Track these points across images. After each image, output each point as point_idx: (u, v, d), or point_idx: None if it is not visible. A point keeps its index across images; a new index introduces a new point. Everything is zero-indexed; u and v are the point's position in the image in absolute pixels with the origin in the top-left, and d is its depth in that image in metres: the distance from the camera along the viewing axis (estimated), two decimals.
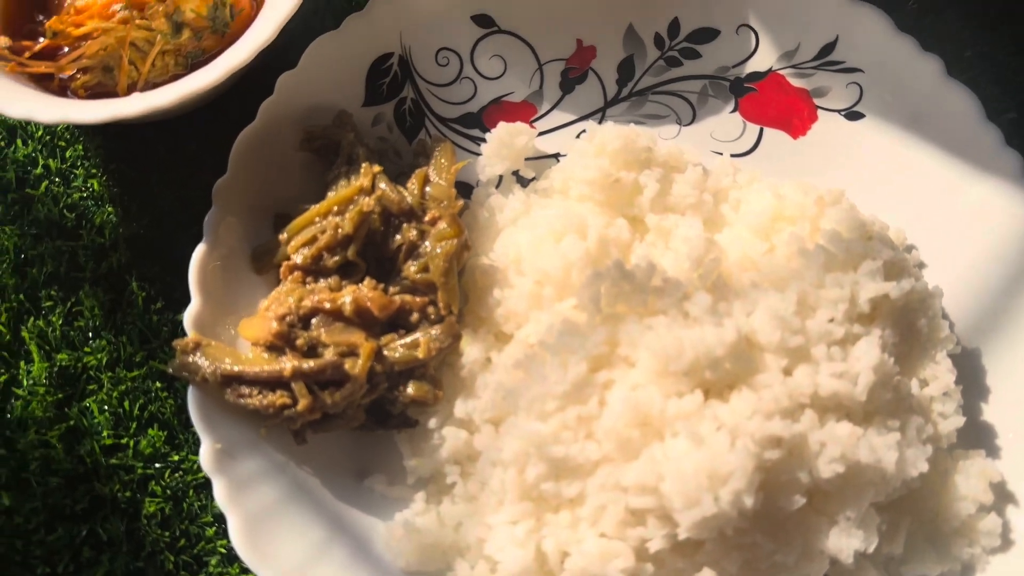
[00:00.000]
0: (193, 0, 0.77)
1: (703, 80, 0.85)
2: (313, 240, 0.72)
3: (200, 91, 0.71)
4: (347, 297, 0.70)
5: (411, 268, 0.72)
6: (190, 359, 0.68)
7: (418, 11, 0.82)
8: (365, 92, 0.82)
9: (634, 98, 0.85)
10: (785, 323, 0.66)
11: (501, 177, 0.82)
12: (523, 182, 0.82)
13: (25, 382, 0.75)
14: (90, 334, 0.77)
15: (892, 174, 0.81)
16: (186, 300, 0.71)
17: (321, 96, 0.79)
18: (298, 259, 0.72)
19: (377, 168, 0.75)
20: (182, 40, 0.77)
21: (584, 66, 0.85)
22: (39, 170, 0.82)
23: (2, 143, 0.83)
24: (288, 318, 0.69)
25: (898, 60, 0.81)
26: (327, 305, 0.69)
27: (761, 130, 0.84)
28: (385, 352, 0.69)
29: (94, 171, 0.82)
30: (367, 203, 0.72)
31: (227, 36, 0.79)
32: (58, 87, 0.77)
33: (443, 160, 0.78)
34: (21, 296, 0.77)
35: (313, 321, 0.69)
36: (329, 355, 0.68)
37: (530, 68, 0.85)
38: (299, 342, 0.68)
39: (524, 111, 0.85)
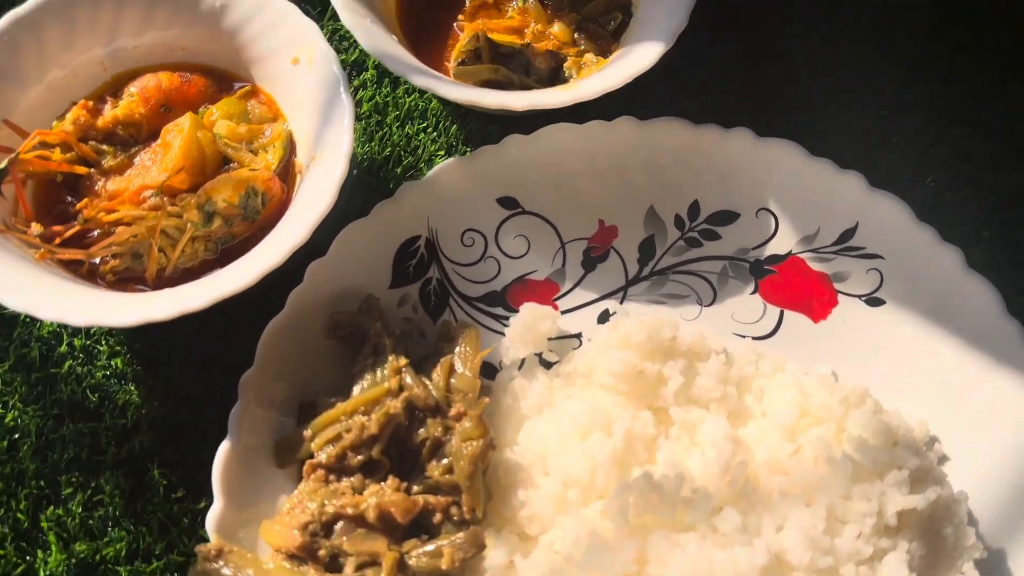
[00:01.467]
0: (225, 190, 0.78)
1: (723, 261, 0.85)
2: (338, 438, 0.71)
3: (231, 294, 0.71)
4: (370, 500, 0.69)
5: (435, 468, 0.71)
6: (212, 566, 0.67)
7: (446, 195, 0.83)
8: (392, 274, 0.82)
9: (655, 277, 0.85)
10: (815, 543, 0.66)
11: (524, 359, 0.82)
12: (546, 364, 0.82)
13: (42, 573, 0.74)
14: (109, 523, 0.76)
15: (913, 362, 0.81)
16: (207, 486, 0.70)
17: (349, 280, 0.80)
18: (322, 457, 0.71)
19: (403, 361, 0.75)
20: (212, 228, 0.78)
21: (606, 245, 0.86)
22: (63, 347, 0.82)
23: (27, 318, 0.83)
24: (310, 527, 0.68)
25: (918, 249, 0.81)
26: (349, 511, 0.68)
27: (782, 313, 0.84)
28: (408, 560, 0.68)
29: (118, 348, 0.82)
30: (394, 405, 0.71)
31: (257, 221, 0.80)
32: (87, 271, 0.77)
33: (468, 348, 0.77)
34: (41, 482, 0.76)
35: (336, 528, 0.68)
36: (351, 566, 0.67)
37: (553, 247, 0.85)
38: (321, 553, 0.67)
39: (547, 289, 0.85)
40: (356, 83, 0.93)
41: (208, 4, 0.82)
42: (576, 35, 0.88)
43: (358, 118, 0.90)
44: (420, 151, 0.90)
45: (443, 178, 0.83)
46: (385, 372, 0.74)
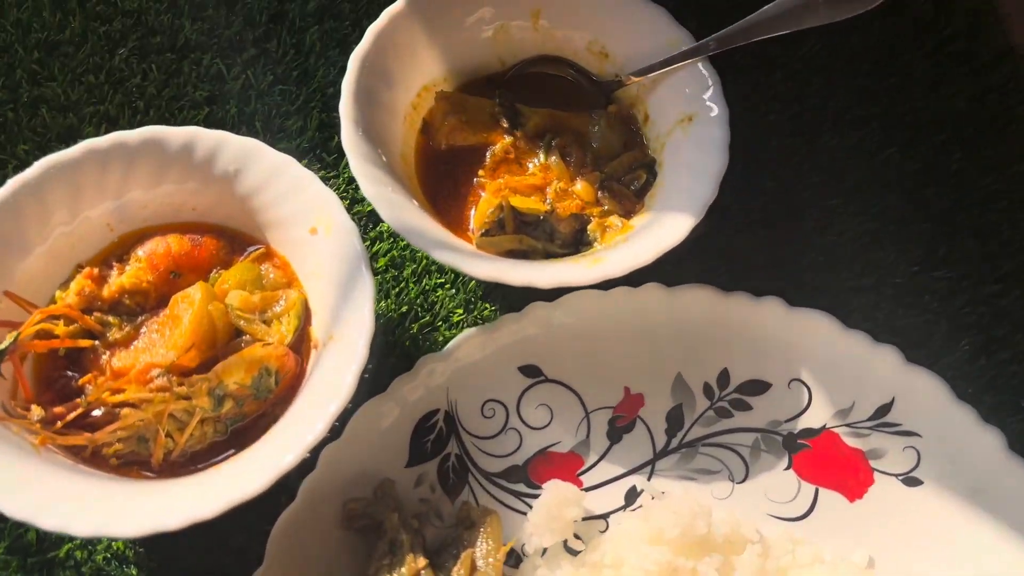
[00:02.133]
0: (237, 372, 0.74)
1: (755, 433, 0.82)
2: None
3: (244, 500, 0.67)
4: None
5: None
6: None
7: (466, 366, 0.79)
8: (409, 452, 0.78)
9: (684, 450, 0.82)
10: None
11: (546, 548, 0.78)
12: (571, 551, 0.78)
13: None
14: None
15: (952, 545, 0.77)
16: None
17: (364, 462, 0.76)
18: None
19: (423, 563, 0.70)
20: (223, 411, 0.74)
21: (632, 415, 0.82)
22: None
23: None
24: None
25: (957, 429, 0.78)
26: None
27: (817, 491, 0.80)
28: None
29: None
30: None
31: (270, 399, 0.76)
32: (90, 454, 0.73)
33: (490, 541, 0.73)
34: None
35: None
36: None
37: (577, 417, 0.82)
38: None
39: (571, 463, 0.81)
40: (372, 234, 0.90)
41: (221, 167, 0.79)
42: (599, 193, 0.86)
43: (374, 272, 0.86)
44: (437, 307, 0.87)
45: (464, 349, 0.79)
46: (403, 573, 0.70)
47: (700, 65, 0.85)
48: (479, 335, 0.79)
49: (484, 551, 0.73)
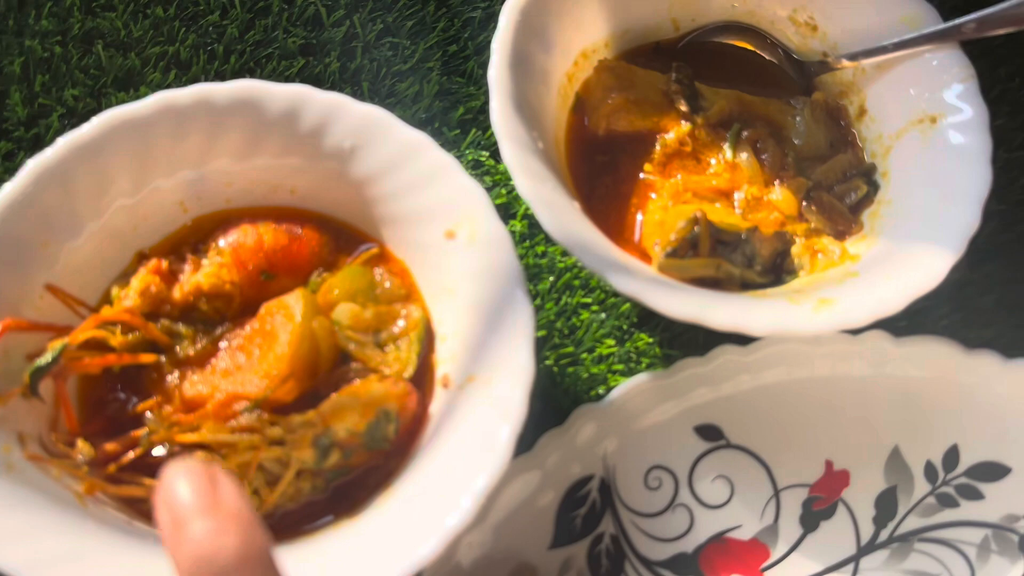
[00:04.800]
0: (351, 417, 0.56)
1: (985, 529, 0.64)
2: None
3: None
4: None
5: None
6: None
7: (630, 422, 0.61)
8: (555, 530, 0.60)
9: (895, 545, 0.64)
10: None
11: None
12: None
13: None
14: None
15: None
16: None
17: (497, 542, 0.58)
18: None
19: None
20: (327, 464, 0.56)
21: (833, 496, 0.64)
22: None
23: None
24: None
25: None
26: None
27: None
28: None
29: None
30: None
31: (383, 450, 0.58)
32: (149, 508, 0.56)
33: None
34: None
35: None
36: None
37: (763, 495, 0.64)
38: None
39: (753, 554, 0.63)
40: None
41: (335, 142, 0.60)
42: (803, 205, 0.67)
43: None
44: (581, 334, 0.69)
45: (631, 402, 0.61)
46: None
47: (948, 53, 0.66)
48: (651, 384, 0.61)
49: None
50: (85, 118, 0.60)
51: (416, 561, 0.49)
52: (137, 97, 0.64)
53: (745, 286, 0.63)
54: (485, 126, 0.74)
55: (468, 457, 0.52)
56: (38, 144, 0.71)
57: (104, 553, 0.50)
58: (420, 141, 0.59)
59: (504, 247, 0.56)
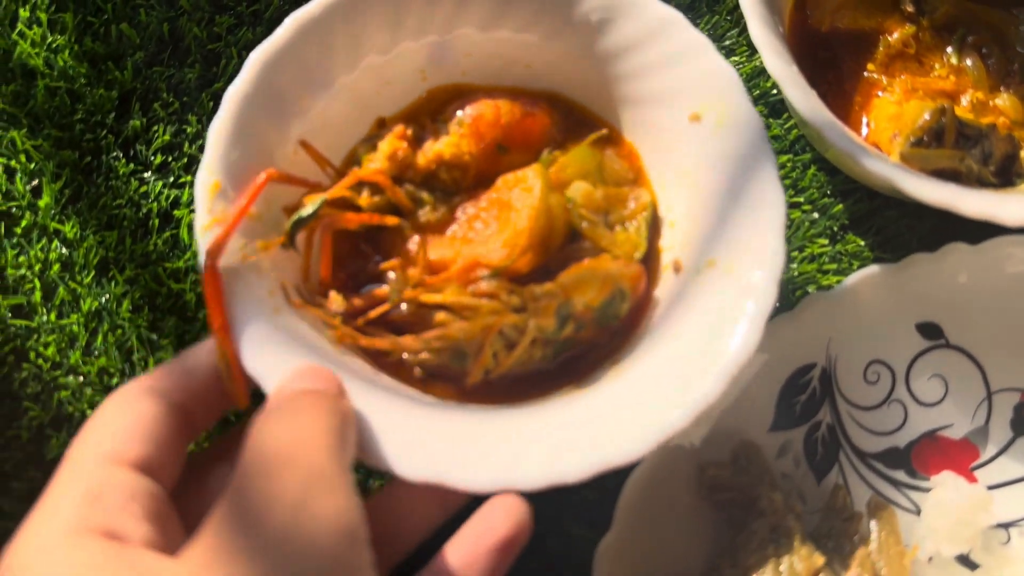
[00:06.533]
0: (590, 291, 0.55)
1: None
2: None
3: (622, 464, 0.48)
4: None
5: None
6: None
7: (856, 314, 0.60)
8: (775, 413, 0.60)
9: None
10: None
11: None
12: (969, 564, 0.60)
13: None
14: None
15: None
16: None
17: (724, 417, 0.58)
18: None
19: (819, 560, 0.53)
20: (563, 335, 0.56)
21: None
22: None
23: None
24: None
25: None
26: None
27: None
28: None
29: None
30: None
31: (611, 327, 0.58)
32: (394, 361, 0.56)
33: (891, 541, 0.56)
34: None
35: None
36: None
37: (977, 396, 0.62)
38: None
39: (963, 452, 0.62)
40: None
41: (583, 12, 0.58)
42: None
43: None
44: (791, 232, 0.67)
45: (859, 292, 0.60)
46: (797, 570, 0.53)
47: None
48: (883, 276, 0.60)
49: (884, 553, 0.55)
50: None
51: (666, 428, 0.48)
52: None
53: (981, 184, 0.61)
54: (693, 23, 0.71)
55: (712, 336, 0.51)
56: (258, 19, 0.71)
57: (361, 396, 0.50)
58: (673, 18, 0.57)
59: (756, 130, 0.55)
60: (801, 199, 0.68)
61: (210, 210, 0.51)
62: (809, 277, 0.66)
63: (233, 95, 0.53)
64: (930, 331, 0.62)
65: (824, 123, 0.56)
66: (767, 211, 0.53)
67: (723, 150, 0.56)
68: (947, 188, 0.55)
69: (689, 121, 0.57)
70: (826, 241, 0.67)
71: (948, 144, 0.59)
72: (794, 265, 0.66)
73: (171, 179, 0.68)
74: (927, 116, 0.59)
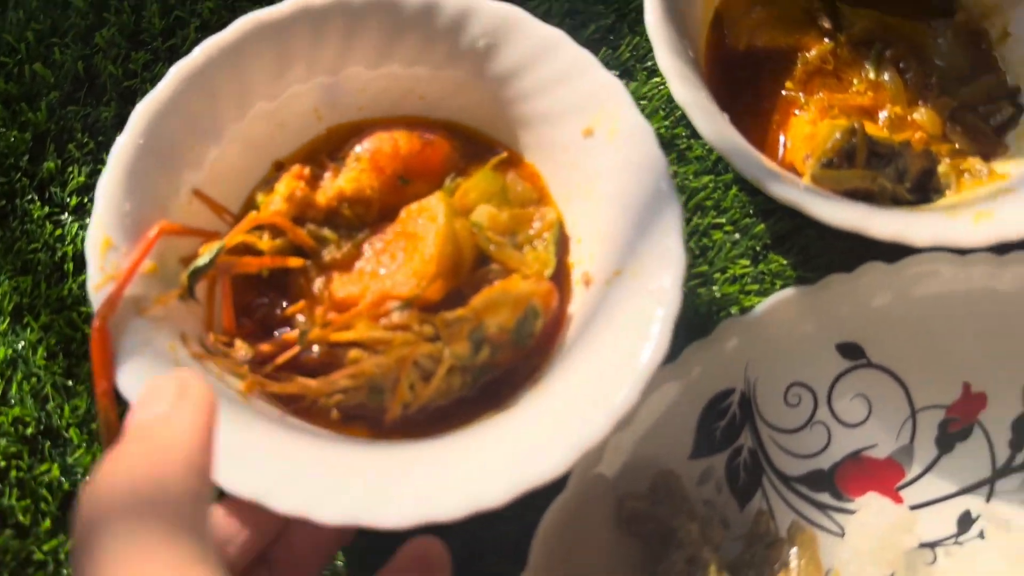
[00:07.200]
0: (502, 312, 0.54)
1: None
2: None
3: (539, 484, 0.47)
4: None
5: None
6: None
7: (776, 337, 0.59)
8: (695, 440, 0.59)
9: None
10: None
11: None
12: None
13: None
14: None
15: None
16: None
17: (642, 447, 0.57)
18: None
19: None
20: (479, 359, 0.55)
21: (969, 418, 0.61)
22: None
23: None
24: None
25: None
26: None
27: None
28: None
29: None
30: None
31: (527, 347, 0.57)
32: (308, 406, 0.55)
33: (810, 568, 0.55)
34: None
35: None
36: None
37: (900, 415, 0.61)
38: None
39: (888, 472, 0.61)
40: None
41: (469, 40, 0.58)
42: (948, 126, 0.63)
43: None
44: (714, 254, 0.66)
45: (777, 315, 0.59)
46: None
47: None
48: (797, 298, 0.58)
49: None
50: (220, 29, 0.58)
51: (583, 442, 0.47)
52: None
53: (897, 202, 0.60)
54: (615, 44, 0.71)
55: (624, 344, 0.50)
56: (174, 54, 0.70)
57: (269, 444, 0.49)
58: (557, 37, 0.56)
59: (647, 139, 0.54)
60: (723, 220, 0.67)
61: (102, 268, 0.50)
62: (732, 298, 0.65)
63: (120, 149, 0.52)
64: (851, 351, 0.61)
65: (730, 149, 0.54)
66: (664, 216, 0.52)
67: (617, 162, 0.55)
68: (856, 210, 0.54)
69: (583, 136, 0.57)
70: (748, 262, 0.66)
71: (859, 164, 0.58)
72: (715, 288, 0.65)
73: (87, 220, 0.66)
74: (838, 136, 0.58)
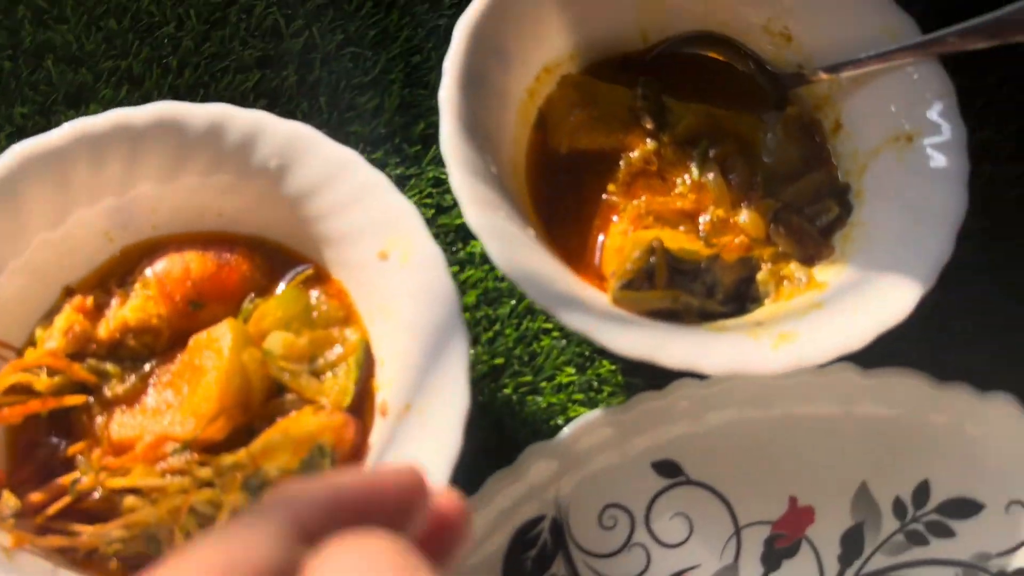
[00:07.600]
0: (282, 455, 0.51)
1: (956, 568, 0.58)
2: None
3: None
4: None
5: None
6: None
7: (584, 459, 0.57)
8: (503, 573, 0.56)
9: None
10: None
11: None
12: None
13: None
14: None
15: None
16: None
17: None
18: None
19: None
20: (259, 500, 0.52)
21: (796, 534, 0.59)
22: None
23: None
24: None
25: None
26: None
27: None
28: None
29: None
30: None
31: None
32: (83, 555, 0.52)
33: None
34: None
35: None
36: None
37: (724, 533, 0.59)
38: None
39: None
40: (462, 255, 0.66)
41: (260, 160, 0.55)
42: (772, 228, 0.61)
43: (464, 309, 0.63)
44: (541, 360, 0.64)
45: (584, 439, 0.56)
46: None
47: (928, 67, 0.60)
48: (605, 420, 0.56)
49: None
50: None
51: None
52: (88, 114, 0.60)
53: (706, 316, 0.58)
54: None
55: None
56: None
57: None
58: (348, 158, 0.54)
59: (437, 268, 0.52)
60: (550, 325, 0.64)
61: None
62: (560, 407, 0.63)
63: None
64: (668, 469, 0.58)
65: (521, 277, 0.52)
66: (452, 351, 0.50)
67: (410, 287, 0.53)
68: (648, 338, 0.51)
69: (378, 259, 0.54)
70: (573, 370, 0.63)
71: (660, 284, 0.56)
72: (540, 398, 0.63)
73: None
74: (636, 255, 0.56)
